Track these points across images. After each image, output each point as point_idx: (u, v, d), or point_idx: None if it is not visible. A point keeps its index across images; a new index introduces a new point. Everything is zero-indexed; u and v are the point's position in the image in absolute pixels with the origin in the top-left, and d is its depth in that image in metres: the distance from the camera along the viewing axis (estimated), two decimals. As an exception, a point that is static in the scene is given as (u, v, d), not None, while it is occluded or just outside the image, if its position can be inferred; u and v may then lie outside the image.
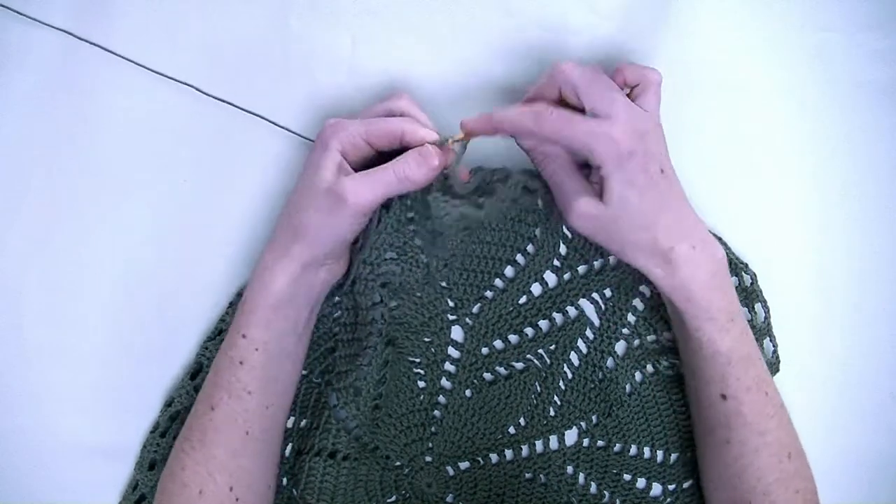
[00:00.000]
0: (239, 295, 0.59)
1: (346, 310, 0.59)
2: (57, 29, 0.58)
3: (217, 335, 0.59)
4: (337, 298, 0.59)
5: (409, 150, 0.51)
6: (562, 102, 0.52)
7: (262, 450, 0.55)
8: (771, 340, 0.59)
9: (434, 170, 0.51)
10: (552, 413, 0.60)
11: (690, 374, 0.57)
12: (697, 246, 0.52)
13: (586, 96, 0.50)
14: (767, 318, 0.59)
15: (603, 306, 0.60)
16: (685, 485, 0.60)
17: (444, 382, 0.61)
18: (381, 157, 0.52)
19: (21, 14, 0.58)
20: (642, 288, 0.60)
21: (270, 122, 0.57)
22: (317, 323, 0.58)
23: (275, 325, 0.53)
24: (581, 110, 0.50)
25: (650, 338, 0.60)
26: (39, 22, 0.58)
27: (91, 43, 0.58)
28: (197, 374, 0.59)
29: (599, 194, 0.51)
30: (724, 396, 0.53)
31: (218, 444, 0.53)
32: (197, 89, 0.58)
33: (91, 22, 0.59)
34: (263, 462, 0.55)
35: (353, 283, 0.57)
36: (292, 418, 0.59)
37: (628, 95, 0.53)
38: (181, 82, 0.58)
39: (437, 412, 0.60)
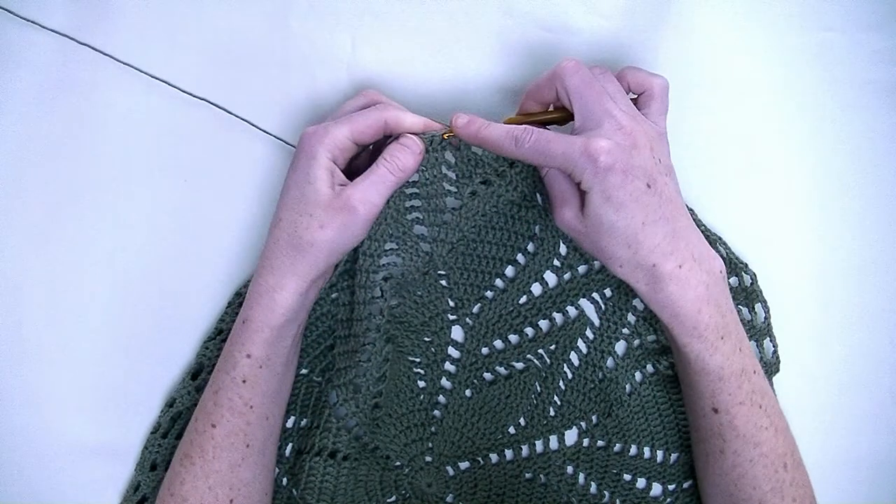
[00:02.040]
0: (238, 295, 0.59)
1: (344, 305, 0.59)
2: (56, 32, 0.58)
3: (217, 335, 0.59)
4: (335, 295, 0.59)
5: (391, 144, 0.52)
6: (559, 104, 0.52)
7: (261, 459, 0.55)
8: (771, 340, 0.59)
9: (419, 153, 0.52)
10: (552, 413, 0.60)
11: (683, 385, 0.57)
12: (685, 264, 0.50)
13: (576, 105, 0.50)
14: (767, 318, 0.59)
15: (603, 306, 0.60)
16: (685, 485, 0.60)
17: (445, 382, 0.61)
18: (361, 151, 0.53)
19: (20, 17, 0.58)
20: (642, 288, 0.60)
21: (261, 129, 0.58)
22: (316, 321, 0.59)
23: (278, 342, 0.53)
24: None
25: (650, 338, 0.60)
26: (38, 25, 0.58)
27: (90, 47, 0.58)
28: (198, 374, 0.59)
29: (583, 205, 0.50)
30: (715, 410, 0.53)
31: (219, 459, 0.53)
32: (195, 96, 0.58)
33: (90, 24, 0.59)
34: (261, 471, 0.55)
35: (353, 276, 0.57)
36: (292, 418, 0.59)
37: (634, 101, 0.52)
38: (177, 88, 0.58)
39: (437, 412, 0.60)
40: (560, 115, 0.53)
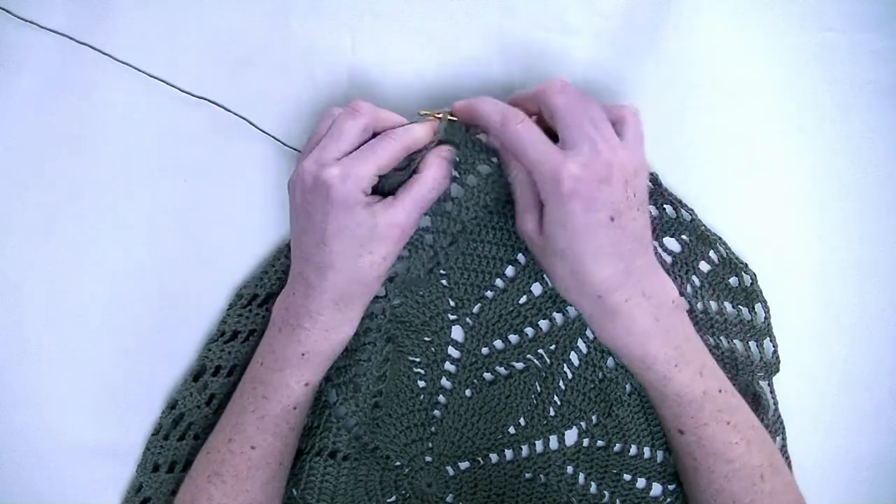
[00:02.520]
0: (239, 296, 0.59)
1: None
2: (55, 32, 0.58)
3: (220, 336, 0.59)
4: None
5: (429, 159, 0.52)
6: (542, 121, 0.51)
7: (286, 475, 0.56)
8: (771, 340, 0.59)
9: (452, 159, 0.52)
10: (552, 413, 0.60)
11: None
12: (632, 299, 0.49)
13: (560, 125, 0.48)
14: (767, 318, 0.59)
15: (603, 306, 0.60)
16: (685, 485, 0.60)
17: (445, 382, 0.61)
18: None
19: (19, 18, 0.58)
20: (642, 288, 0.60)
21: (263, 131, 0.58)
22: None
23: (329, 365, 0.54)
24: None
25: (650, 338, 0.60)
26: (37, 25, 0.58)
27: (90, 46, 0.58)
28: (199, 375, 0.59)
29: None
30: (681, 432, 0.53)
31: (252, 479, 0.53)
32: (195, 95, 0.58)
33: (90, 24, 0.59)
34: (283, 484, 0.56)
35: None
36: (292, 418, 0.59)
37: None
38: (177, 88, 0.58)
39: (437, 412, 0.60)
40: (547, 127, 0.52)
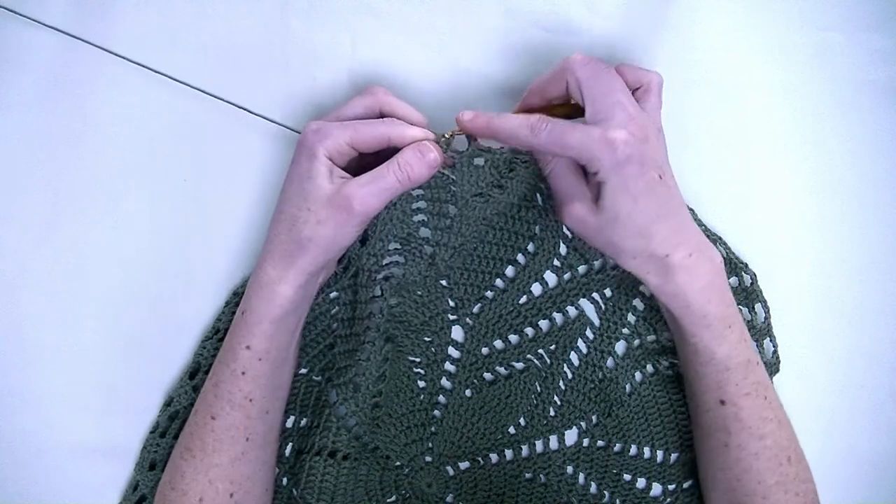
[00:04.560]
0: (236, 294, 0.59)
1: (344, 305, 0.59)
2: (55, 29, 0.58)
3: (214, 334, 0.59)
4: (334, 294, 0.59)
5: (407, 148, 0.51)
6: (565, 99, 0.52)
7: (261, 454, 0.55)
8: (771, 340, 0.59)
9: (434, 165, 0.51)
10: (552, 413, 0.60)
11: (688, 379, 0.57)
12: (694, 253, 0.51)
13: (588, 96, 0.49)
14: (767, 318, 0.59)
15: (603, 306, 0.60)
16: (685, 485, 0.60)
17: (445, 382, 0.61)
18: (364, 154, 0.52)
19: (20, 14, 0.58)
20: (642, 288, 0.60)
21: (268, 119, 0.58)
22: (315, 320, 0.59)
23: (278, 334, 0.53)
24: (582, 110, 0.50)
25: (650, 338, 0.60)
26: (38, 22, 0.58)
27: (91, 44, 0.58)
28: (195, 373, 0.59)
29: (596, 198, 0.50)
30: (722, 402, 0.53)
31: (219, 452, 0.53)
32: (195, 87, 0.58)
33: (90, 22, 0.59)
34: (262, 466, 0.55)
35: (356, 275, 0.57)
36: (292, 417, 0.59)
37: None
38: (178, 81, 0.58)
39: (437, 412, 0.60)
40: (565, 111, 0.52)
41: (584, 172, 0.52)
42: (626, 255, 0.51)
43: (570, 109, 0.52)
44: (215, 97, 0.58)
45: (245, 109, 0.58)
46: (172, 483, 0.53)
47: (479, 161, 0.55)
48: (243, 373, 0.53)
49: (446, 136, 0.52)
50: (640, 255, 0.51)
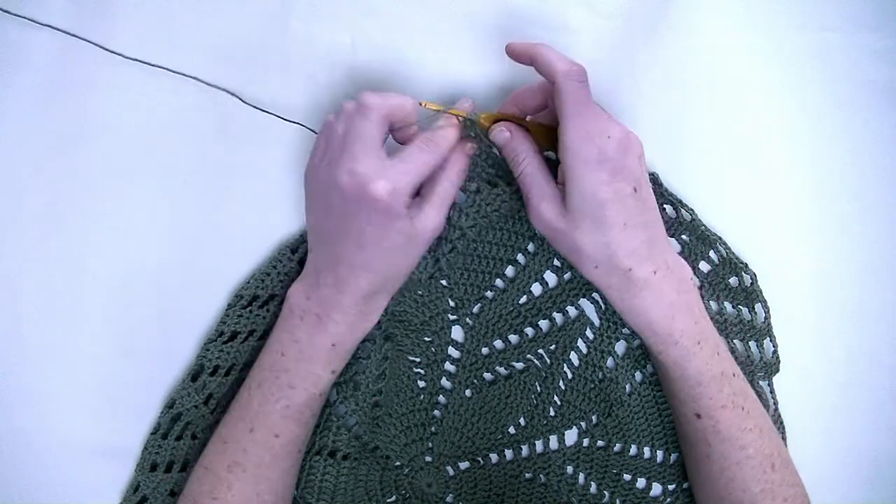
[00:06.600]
0: (237, 296, 0.59)
1: None
2: (55, 29, 0.58)
3: (218, 337, 0.59)
4: None
5: (453, 156, 0.53)
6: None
7: (299, 461, 0.56)
8: (771, 340, 0.59)
9: (471, 150, 0.54)
10: (552, 413, 0.60)
11: (665, 392, 0.57)
12: (660, 271, 0.51)
13: (570, 99, 0.50)
14: (767, 318, 0.59)
15: (603, 306, 0.60)
16: (685, 485, 0.60)
17: (445, 382, 0.61)
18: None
19: (19, 16, 0.58)
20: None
21: (277, 115, 0.58)
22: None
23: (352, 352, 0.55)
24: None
25: (650, 338, 0.60)
26: (37, 22, 0.58)
27: (91, 42, 0.58)
28: (198, 375, 0.59)
29: (565, 201, 0.50)
30: (698, 416, 0.53)
31: (274, 468, 0.53)
32: (198, 79, 0.58)
33: (90, 21, 0.59)
34: (297, 473, 0.57)
35: None
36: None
37: None
38: (182, 74, 0.58)
39: (437, 412, 0.60)
40: (546, 127, 0.53)
41: (555, 177, 0.53)
42: (588, 263, 0.51)
43: (550, 128, 0.53)
44: (219, 88, 0.58)
45: (254, 106, 0.58)
46: (216, 493, 0.53)
47: (497, 151, 0.55)
48: (320, 394, 0.54)
49: (441, 108, 0.53)
50: (603, 264, 0.51)
